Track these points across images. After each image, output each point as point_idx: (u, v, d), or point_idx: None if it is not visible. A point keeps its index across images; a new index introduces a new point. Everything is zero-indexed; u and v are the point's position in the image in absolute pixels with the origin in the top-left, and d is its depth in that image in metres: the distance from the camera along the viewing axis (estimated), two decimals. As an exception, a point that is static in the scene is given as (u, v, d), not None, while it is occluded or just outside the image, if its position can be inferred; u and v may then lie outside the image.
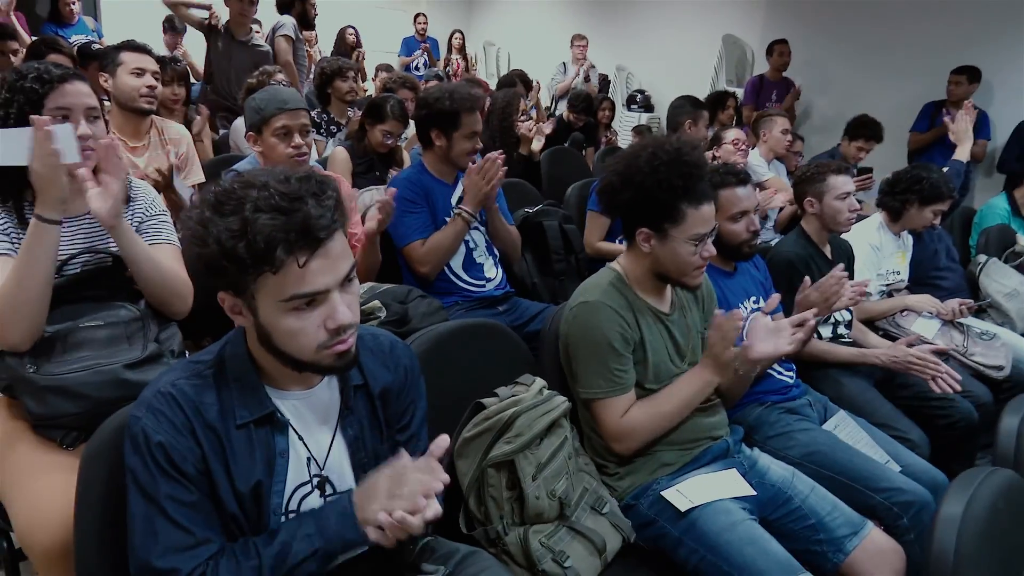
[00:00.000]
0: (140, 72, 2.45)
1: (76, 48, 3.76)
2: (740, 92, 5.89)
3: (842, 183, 2.37)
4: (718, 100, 4.65)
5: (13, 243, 1.45)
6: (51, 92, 1.46)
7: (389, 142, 3.12)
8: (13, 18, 5.10)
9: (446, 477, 1.00)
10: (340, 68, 3.79)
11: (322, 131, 3.79)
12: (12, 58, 3.68)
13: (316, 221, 0.92)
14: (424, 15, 7.73)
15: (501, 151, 2.34)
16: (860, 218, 2.61)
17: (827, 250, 2.44)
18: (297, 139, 2.08)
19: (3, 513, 1.38)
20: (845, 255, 2.51)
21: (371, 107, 3.15)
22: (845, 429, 1.92)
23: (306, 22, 4.32)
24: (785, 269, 2.26)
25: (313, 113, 3.76)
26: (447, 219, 2.34)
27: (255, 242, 0.90)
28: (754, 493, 1.53)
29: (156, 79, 2.50)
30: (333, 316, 0.98)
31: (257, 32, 4.38)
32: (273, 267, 0.92)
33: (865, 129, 3.86)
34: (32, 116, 1.36)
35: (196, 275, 1.59)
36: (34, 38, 4.54)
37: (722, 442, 1.64)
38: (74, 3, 5.27)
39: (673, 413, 1.57)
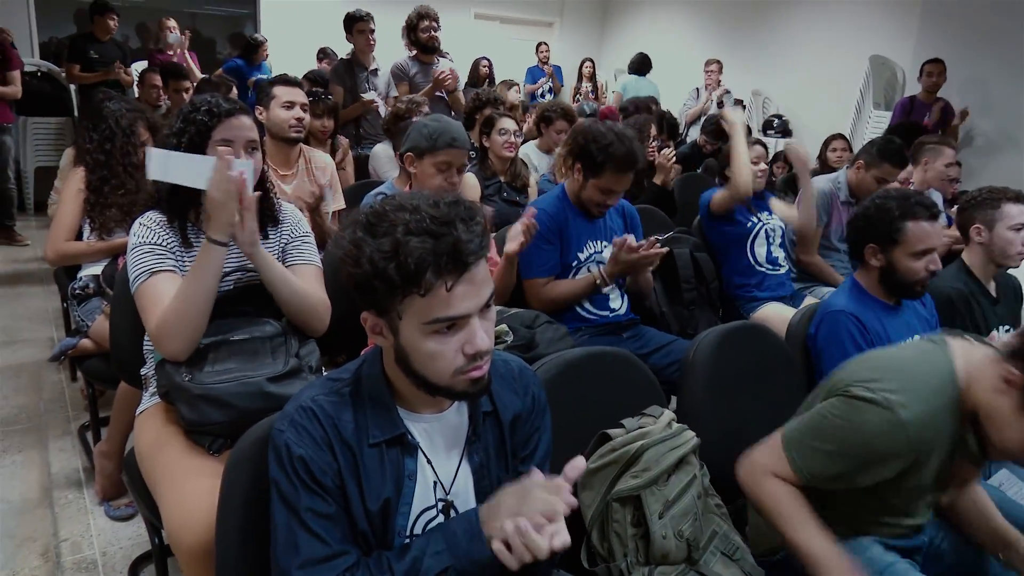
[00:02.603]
0: (290, 105, 2.66)
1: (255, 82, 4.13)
2: (888, 115, 5.55)
3: (1018, 213, 2.15)
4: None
5: (178, 261, 1.59)
6: (218, 125, 1.61)
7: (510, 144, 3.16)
8: (188, 56, 5.67)
9: (573, 500, 0.97)
10: (495, 99, 3.84)
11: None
12: (184, 95, 4.08)
13: (465, 246, 0.94)
14: (546, 44, 7.85)
15: (665, 248, 2.24)
16: None
17: (991, 287, 2.22)
18: (454, 175, 2.15)
19: (156, 511, 1.48)
20: (1013, 293, 2.27)
21: (485, 122, 3.25)
22: (1012, 487, 1.73)
23: (424, 48, 4.46)
24: (944, 307, 2.07)
25: None
26: (579, 254, 2.31)
27: (406, 264, 0.92)
28: None
29: (304, 111, 2.69)
30: (472, 341, 0.98)
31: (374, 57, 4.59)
32: (421, 289, 0.93)
33: None
34: (219, 148, 1.52)
35: (338, 294, 1.67)
36: (205, 75, 5.04)
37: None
38: (267, 54, 5.90)
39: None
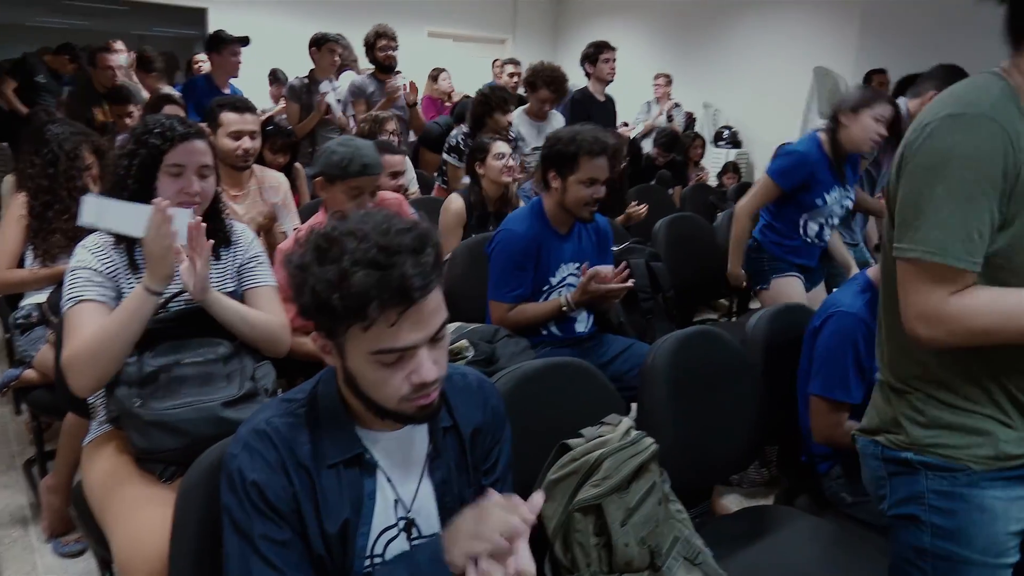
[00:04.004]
0: (237, 135, 2.57)
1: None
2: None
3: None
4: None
5: (119, 286, 1.54)
6: (171, 149, 1.58)
7: (508, 169, 3.02)
8: (135, 76, 5.53)
9: (530, 516, 0.95)
10: (504, 100, 3.72)
11: (463, 158, 3.66)
12: (128, 120, 3.97)
13: (411, 280, 0.91)
14: (515, 62, 7.90)
15: (631, 283, 2.19)
16: None
17: None
18: (366, 201, 2.11)
19: (106, 544, 1.43)
20: None
21: (477, 148, 3.09)
22: None
23: (381, 67, 4.47)
24: None
25: (459, 135, 3.77)
26: (551, 279, 2.28)
27: (349, 296, 0.90)
28: None
29: (254, 138, 2.61)
30: (418, 372, 0.96)
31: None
32: (364, 322, 0.92)
33: None
34: (155, 200, 1.47)
35: None
36: (163, 93, 4.92)
37: None
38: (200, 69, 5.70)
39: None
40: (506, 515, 0.95)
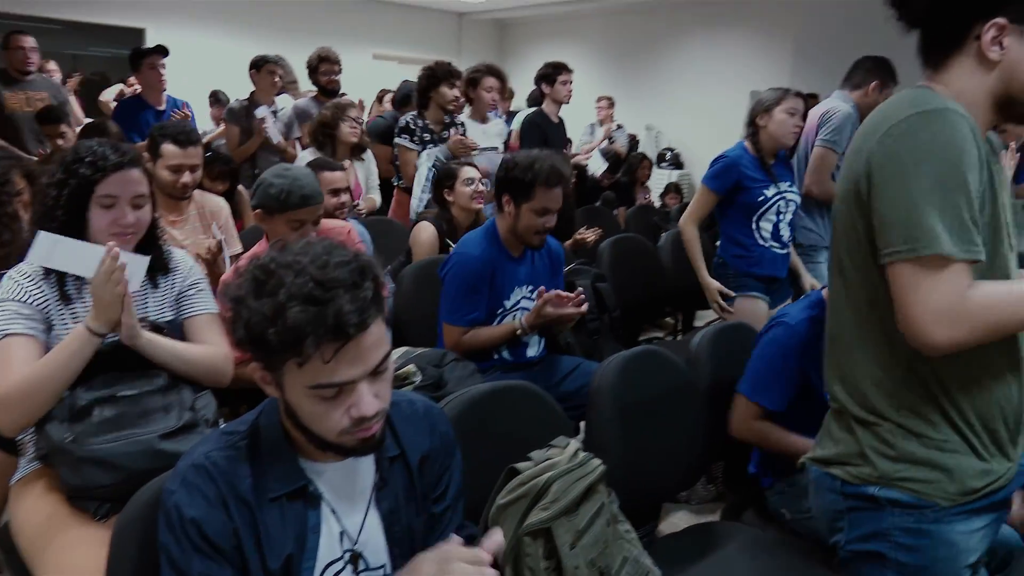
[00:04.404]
0: (177, 168, 2.48)
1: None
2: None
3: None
4: None
5: (49, 320, 1.49)
6: (103, 180, 1.52)
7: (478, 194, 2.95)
8: (74, 99, 5.33)
9: (494, 574, 0.93)
10: (450, 72, 3.65)
11: (415, 138, 3.65)
12: (60, 141, 3.84)
13: (347, 317, 0.90)
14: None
15: (585, 307, 2.18)
16: None
17: None
18: (309, 230, 2.06)
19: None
20: None
21: (444, 175, 3.00)
22: None
23: (324, 91, 4.45)
24: None
25: (408, 117, 3.73)
26: (505, 302, 2.27)
27: (284, 331, 0.89)
28: None
29: (194, 171, 2.54)
30: (357, 406, 0.95)
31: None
32: (299, 358, 0.90)
33: None
34: (109, 243, 1.43)
35: None
36: (89, 120, 4.76)
37: None
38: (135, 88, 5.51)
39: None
40: (471, 569, 0.92)
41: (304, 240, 0.99)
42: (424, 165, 3.45)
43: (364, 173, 3.77)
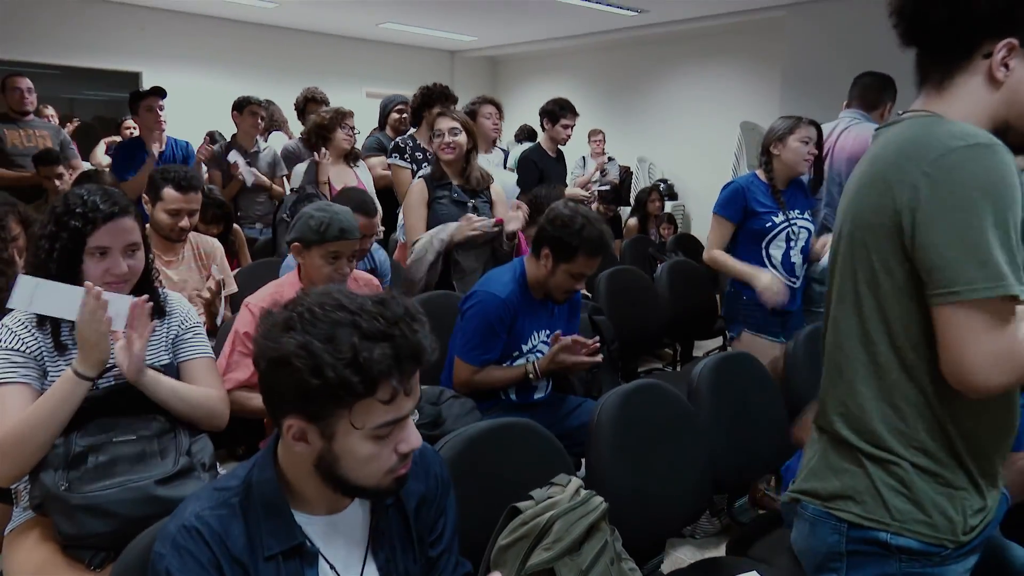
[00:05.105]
0: (176, 212, 2.50)
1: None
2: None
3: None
4: None
5: (44, 369, 1.48)
6: (94, 231, 1.50)
7: (445, 146, 2.91)
8: (69, 138, 5.34)
9: None
10: (444, 95, 3.66)
11: (406, 156, 3.64)
12: (58, 182, 3.86)
13: (425, 348, 0.93)
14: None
15: (600, 356, 2.18)
16: None
17: None
18: (344, 266, 2.08)
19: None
20: None
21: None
22: None
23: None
24: None
25: (399, 138, 3.77)
26: (523, 346, 2.26)
27: (368, 370, 0.88)
28: None
29: (192, 216, 2.56)
30: (408, 440, 0.97)
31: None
32: (385, 396, 0.91)
33: None
34: (87, 283, 1.43)
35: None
36: (88, 166, 4.79)
37: None
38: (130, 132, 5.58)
39: None
40: None
41: (325, 287, 0.99)
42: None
43: (364, 177, 3.88)
